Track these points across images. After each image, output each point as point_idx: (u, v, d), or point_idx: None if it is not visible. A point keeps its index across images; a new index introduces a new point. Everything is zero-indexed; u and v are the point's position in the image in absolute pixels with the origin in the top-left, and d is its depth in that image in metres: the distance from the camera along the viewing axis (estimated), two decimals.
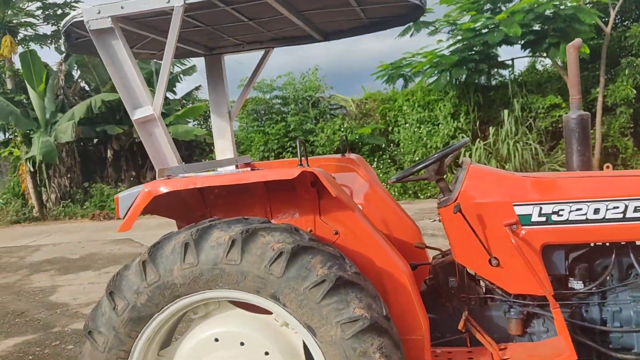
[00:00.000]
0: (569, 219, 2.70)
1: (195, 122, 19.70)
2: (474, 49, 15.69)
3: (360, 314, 2.37)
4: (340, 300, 2.39)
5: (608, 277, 2.85)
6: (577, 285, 2.85)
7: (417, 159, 15.84)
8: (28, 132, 16.79)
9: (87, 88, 18.68)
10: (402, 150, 16.60)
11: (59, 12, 19.05)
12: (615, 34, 14.99)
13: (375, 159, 16.66)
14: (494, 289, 2.99)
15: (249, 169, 2.97)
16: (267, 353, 2.51)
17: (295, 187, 2.80)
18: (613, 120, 15.53)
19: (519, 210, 2.75)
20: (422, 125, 16.69)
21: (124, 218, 2.66)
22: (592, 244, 2.84)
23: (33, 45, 19.10)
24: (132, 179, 18.07)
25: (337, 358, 2.38)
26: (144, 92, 2.82)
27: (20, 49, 17.88)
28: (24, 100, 17.32)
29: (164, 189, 2.59)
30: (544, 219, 2.72)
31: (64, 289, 7.84)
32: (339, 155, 3.85)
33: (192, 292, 2.48)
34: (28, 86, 16.16)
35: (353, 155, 3.85)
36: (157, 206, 2.78)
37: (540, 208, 2.73)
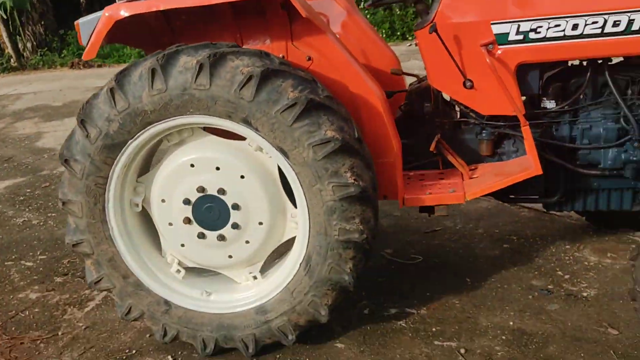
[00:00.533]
0: (547, 36, 2.62)
1: None
2: None
3: (331, 135, 2.39)
4: (312, 122, 2.40)
5: (581, 96, 2.86)
6: (549, 104, 2.86)
7: None
8: None
9: None
10: None
11: None
12: None
13: None
14: (468, 113, 3.00)
15: None
16: (242, 177, 2.57)
17: (265, 10, 2.68)
18: None
19: (497, 29, 2.66)
20: None
21: (87, 45, 2.57)
22: (568, 63, 2.80)
23: None
24: None
25: (309, 178, 2.44)
26: None
27: None
28: None
29: (124, 13, 2.46)
30: (521, 37, 2.64)
31: (50, 135, 7.86)
32: None
33: (163, 118, 2.47)
34: None
35: None
36: (123, 34, 2.68)
37: (519, 26, 2.63)
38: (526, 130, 2.66)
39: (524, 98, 2.84)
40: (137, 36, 2.91)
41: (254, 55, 2.44)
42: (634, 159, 2.74)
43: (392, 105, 3.26)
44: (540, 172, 2.67)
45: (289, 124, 2.38)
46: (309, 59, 2.74)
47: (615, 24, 2.55)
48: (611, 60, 2.78)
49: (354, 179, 2.44)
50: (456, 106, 3.08)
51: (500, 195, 3.07)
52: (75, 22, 2.68)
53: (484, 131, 2.97)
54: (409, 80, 3.53)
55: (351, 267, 2.56)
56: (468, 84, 2.75)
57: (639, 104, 2.76)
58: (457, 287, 3.24)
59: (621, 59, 2.80)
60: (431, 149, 2.90)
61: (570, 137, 2.86)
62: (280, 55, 2.73)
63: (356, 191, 2.43)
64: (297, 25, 2.70)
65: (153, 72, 2.39)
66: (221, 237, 2.64)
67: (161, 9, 2.48)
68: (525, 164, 2.76)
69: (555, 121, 2.88)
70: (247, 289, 2.77)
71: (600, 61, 2.77)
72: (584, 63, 2.83)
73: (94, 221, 2.65)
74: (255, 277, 2.77)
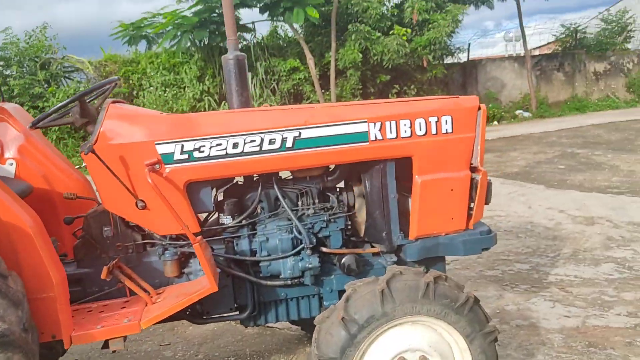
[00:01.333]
0: (210, 154, 2.69)
1: None
2: (217, 11, 15.62)
3: None
4: None
5: (258, 210, 2.95)
6: (227, 219, 2.89)
7: None
8: None
9: None
10: None
11: None
12: (343, 1, 16.19)
13: None
14: (151, 234, 2.89)
15: None
16: None
17: None
18: (345, 82, 16.92)
19: (162, 149, 2.65)
20: (167, 89, 16.24)
21: None
22: (238, 179, 2.90)
23: None
24: None
25: None
26: None
27: None
28: None
29: None
30: (186, 156, 2.67)
31: None
32: None
33: None
34: None
35: (8, 105, 3.40)
36: None
37: (182, 145, 2.67)
38: (196, 248, 2.59)
39: (203, 215, 2.84)
40: None
41: None
42: (310, 266, 2.86)
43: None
44: (215, 289, 2.61)
45: None
46: None
47: (271, 141, 2.72)
48: (278, 174, 2.95)
49: None
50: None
51: (195, 316, 2.95)
52: None
53: (166, 251, 2.86)
54: None
55: None
56: (140, 204, 2.65)
57: (308, 214, 2.93)
58: None
59: (289, 173, 2.99)
60: (102, 276, 2.66)
61: (251, 250, 2.90)
62: None
63: None
64: None
65: None
66: None
67: None
68: (205, 282, 2.68)
69: (235, 235, 2.90)
70: None
71: (270, 175, 2.91)
72: (255, 178, 2.96)
73: None
74: None
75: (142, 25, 16.13)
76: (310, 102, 16.42)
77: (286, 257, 2.88)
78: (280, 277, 2.90)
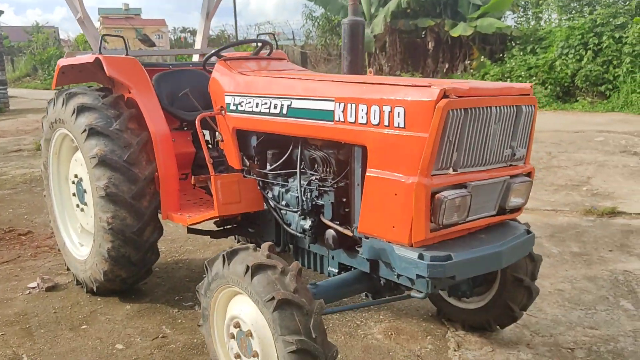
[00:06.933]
0: (245, 109, 3.24)
1: (515, 15, 19.09)
2: None
3: (97, 153, 3.60)
4: (93, 143, 3.66)
5: (291, 164, 3.24)
6: (264, 166, 3.38)
7: None
8: None
9: None
10: None
11: None
12: None
13: None
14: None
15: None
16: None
17: None
18: None
19: (227, 99, 3.40)
20: None
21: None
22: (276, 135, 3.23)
23: None
24: (445, 70, 19.21)
25: (91, 179, 3.76)
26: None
27: None
28: None
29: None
30: (234, 107, 3.33)
31: None
32: None
33: None
34: None
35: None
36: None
37: (234, 99, 3.33)
38: (212, 180, 3.30)
39: (251, 157, 3.45)
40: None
41: (91, 94, 3.89)
42: (304, 227, 3.09)
43: None
44: (216, 215, 3.32)
45: (82, 143, 3.76)
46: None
47: (275, 106, 3.05)
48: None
49: (107, 186, 3.61)
50: None
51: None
52: None
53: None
54: None
55: (109, 247, 3.72)
56: (218, 136, 3.55)
57: (314, 180, 3.04)
58: None
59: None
60: (192, 182, 3.72)
61: (278, 196, 3.32)
62: None
63: (106, 194, 3.59)
64: None
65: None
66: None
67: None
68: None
69: (270, 181, 3.37)
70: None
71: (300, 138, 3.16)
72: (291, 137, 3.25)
73: None
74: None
75: None
76: None
77: (293, 212, 3.18)
78: (292, 227, 3.24)
